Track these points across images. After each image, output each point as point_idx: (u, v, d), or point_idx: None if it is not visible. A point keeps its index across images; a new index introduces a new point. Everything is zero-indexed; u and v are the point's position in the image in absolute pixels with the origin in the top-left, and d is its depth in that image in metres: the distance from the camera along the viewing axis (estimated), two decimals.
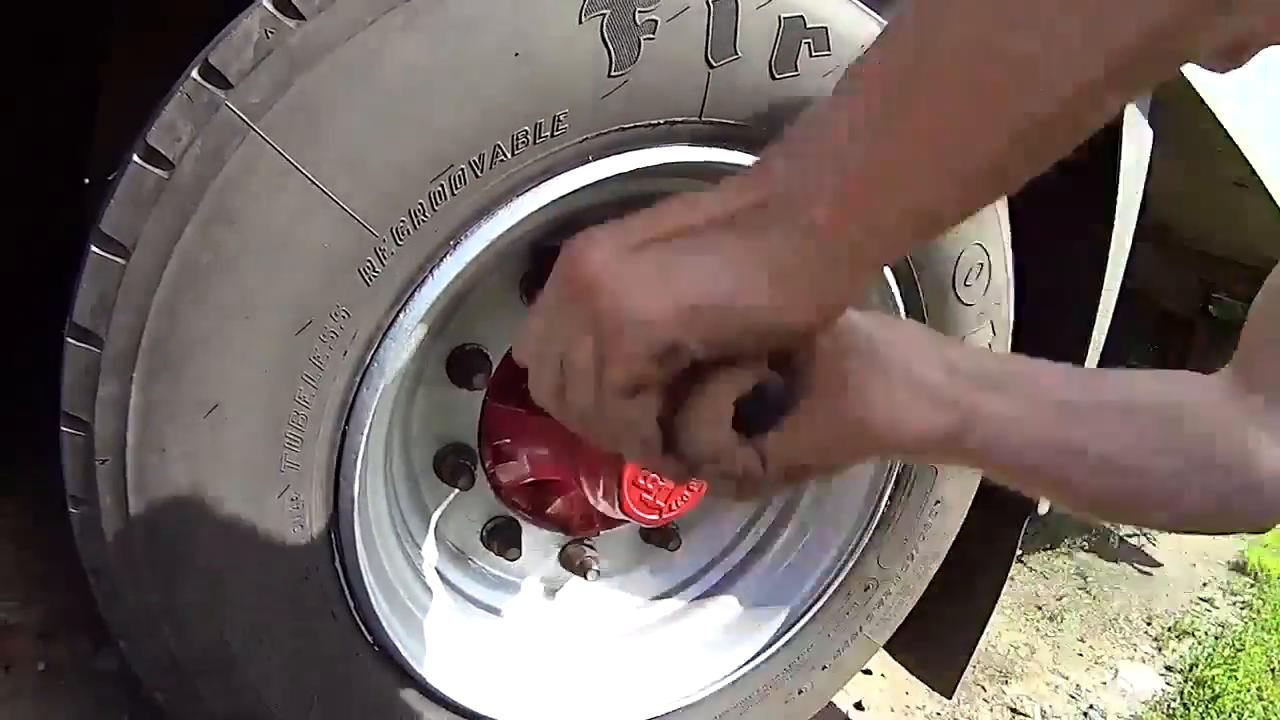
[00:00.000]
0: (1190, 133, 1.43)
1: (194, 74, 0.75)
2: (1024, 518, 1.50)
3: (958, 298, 1.25)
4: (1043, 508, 1.50)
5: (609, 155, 0.93)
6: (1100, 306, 1.36)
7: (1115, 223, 1.31)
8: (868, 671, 1.95)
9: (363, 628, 1.01)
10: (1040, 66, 0.34)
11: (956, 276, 1.24)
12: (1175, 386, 0.54)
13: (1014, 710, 2.12)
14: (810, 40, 0.98)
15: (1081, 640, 2.61)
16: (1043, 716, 2.15)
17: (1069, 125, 0.37)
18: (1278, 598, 3.46)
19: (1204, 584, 3.50)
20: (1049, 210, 1.34)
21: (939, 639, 1.62)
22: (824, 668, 1.46)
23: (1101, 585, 3.08)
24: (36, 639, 1.34)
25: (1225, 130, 1.39)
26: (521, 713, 1.21)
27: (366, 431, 0.92)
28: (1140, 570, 3.40)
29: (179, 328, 0.78)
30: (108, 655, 1.32)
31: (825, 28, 0.98)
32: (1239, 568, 3.77)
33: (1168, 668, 2.60)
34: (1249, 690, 2.49)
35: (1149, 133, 1.33)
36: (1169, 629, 2.87)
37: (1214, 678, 2.49)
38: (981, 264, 1.25)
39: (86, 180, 1.60)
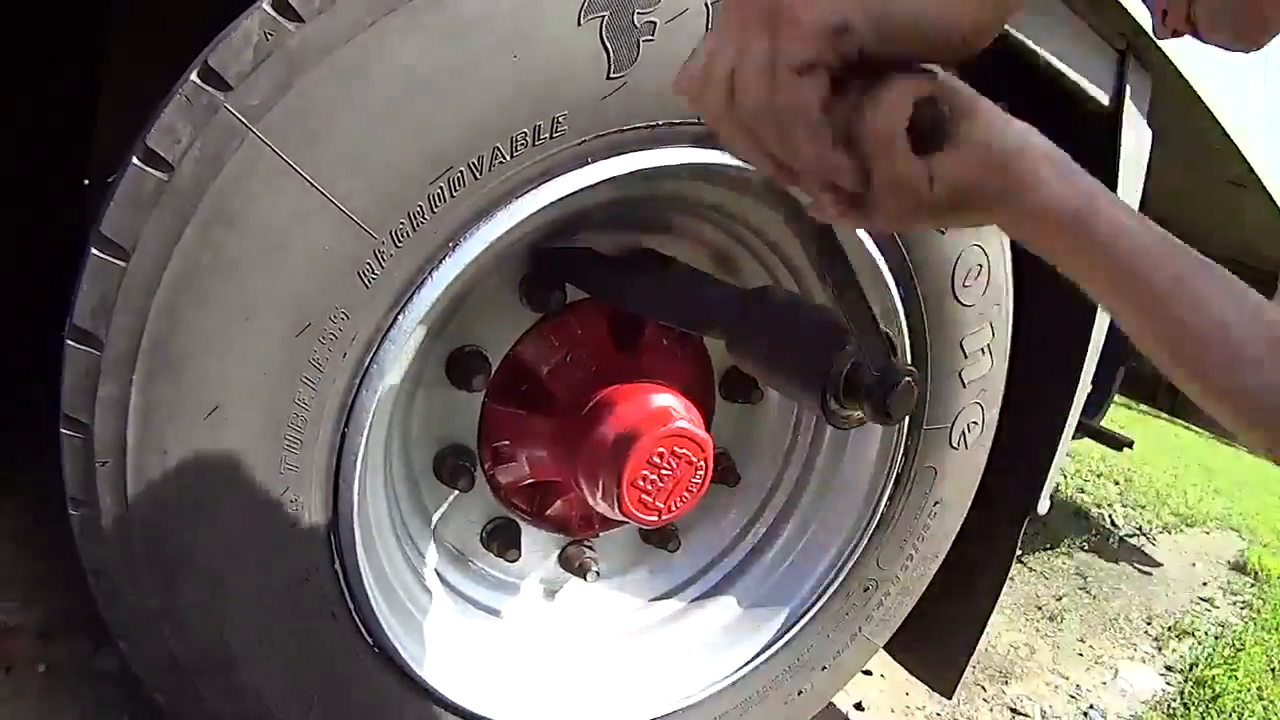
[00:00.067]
0: (1188, 132, 1.43)
1: (193, 76, 0.75)
2: (1023, 518, 1.50)
3: (957, 298, 1.25)
4: (1042, 508, 1.51)
5: (608, 157, 0.93)
6: (1100, 307, 1.36)
7: None
8: (868, 672, 1.95)
9: (362, 629, 1.01)
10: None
11: (955, 277, 1.24)
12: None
13: (1014, 710, 2.13)
14: None
15: (1081, 640, 2.61)
16: (1043, 716, 2.15)
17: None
18: (1278, 597, 3.46)
19: (1204, 584, 3.50)
20: None
21: (939, 639, 1.62)
22: (824, 668, 1.46)
23: (1101, 585, 3.08)
24: (37, 639, 1.35)
25: (1223, 129, 1.39)
26: (521, 714, 1.21)
27: (366, 433, 0.92)
28: (1140, 570, 3.40)
29: (179, 330, 0.78)
30: (108, 656, 1.32)
31: None
32: (1239, 567, 3.78)
33: (1168, 667, 2.60)
34: (1249, 690, 2.49)
35: (1148, 132, 1.33)
36: (1169, 629, 2.87)
37: (1214, 677, 2.49)
38: (980, 265, 1.25)
39: (86, 181, 1.60)
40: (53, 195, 1.75)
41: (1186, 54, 1.27)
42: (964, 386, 1.34)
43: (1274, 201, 1.73)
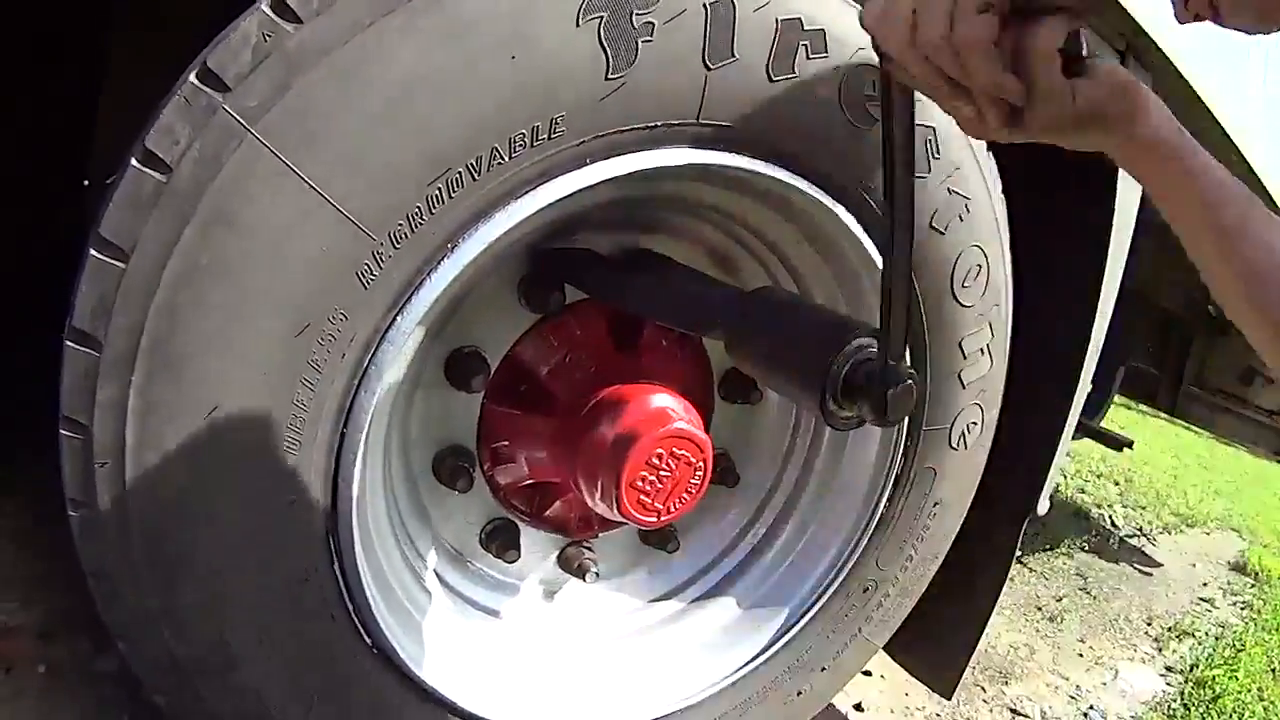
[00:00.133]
0: (1189, 132, 1.43)
1: (192, 77, 0.75)
2: (1023, 518, 1.50)
3: (956, 299, 1.25)
4: (1042, 508, 1.50)
5: (607, 158, 0.93)
6: (1100, 306, 1.36)
7: (1115, 222, 1.31)
8: (867, 673, 1.95)
9: (362, 630, 1.01)
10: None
11: (955, 277, 1.24)
12: None
13: (1014, 711, 2.12)
14: (808, 42, 0.98)
15: (1081, 641, 2.61)
16: (1042, 717, 2.15)
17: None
18: (1278, 598, 3.46)
19: (1204, 584, 3.50)
20: (1049, 210, 1.34)
21: (938, 640, 1.62)
22: (823, 669, 1.46)
23: (1101, 586, 3.08)
24: (37, 640, 1.35)
25: (1223, 129, 1.39)
26: (520, 714, 1.21)
27: (365, 434, 0.92)
28: (1140, 570, 3.40)
29: (178, 330, 0.79)
30: (108, 656, 1.32)
31: (823, 30, 0.98)
32: (1239, 568, 3.77)
33: (1168, 668, 2.60)
34: (1249, 691, 2.49)
35: None
36: (1169, 629, 2.87)
37: (1214, 678, 2.49)
38: (980, 265, 1.25)
39: (86, 182, 1.60)
40: (53, 195, 1.75)
41: (1186, 54, 1.27)
42: (963, 387, 1.34)
43: (1274, 201, 1.73)
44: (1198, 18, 0.76)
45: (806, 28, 0.97)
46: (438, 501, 1.27)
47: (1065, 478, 4.29)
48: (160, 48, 0.95)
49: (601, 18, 0.85)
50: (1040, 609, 2.72)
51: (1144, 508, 4.34)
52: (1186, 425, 3.88)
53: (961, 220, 1.20)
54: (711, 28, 0.91)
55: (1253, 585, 3.60)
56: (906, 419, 1.28)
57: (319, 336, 0.84)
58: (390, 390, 1.05)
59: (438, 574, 1.27)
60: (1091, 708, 2.25)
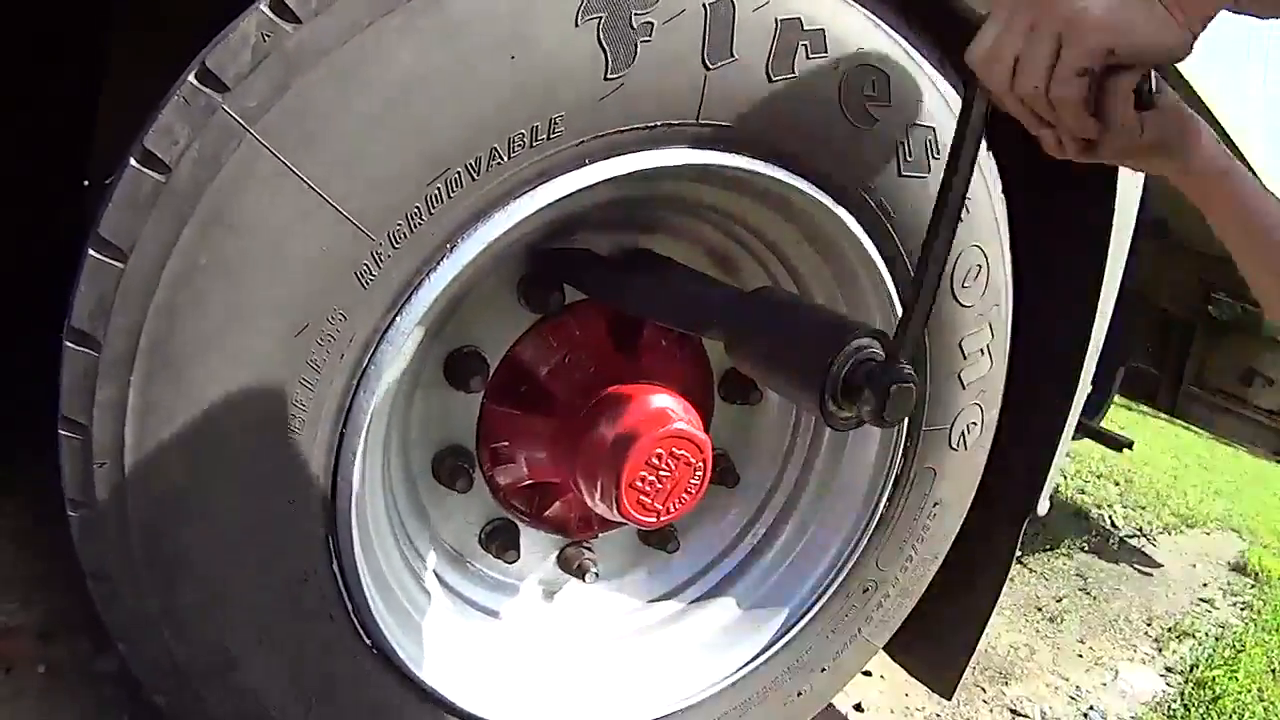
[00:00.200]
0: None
1: (191, 77, 0.75)
2: (1023, 518, 1.50)
3: (956, 299, 1.25)
4: (1042, 509, 1.50)
5: (606, 158, 0.93)
6: (1100, 306, 1.36)
7: (1115, 222, 1.31)
8: (867, 673, 1.95)
9: (361, 630, 1.01)
10: None
11: (955, 277, 1.24)
12: None
13: (1014, 711, 2.12)
14: (807, 42, 0.98)
15: (1081, 641, 2.61)
16: (1043, 717, 2.15)
17: None
18: (1278, 598, 3.46)
19: (1204, 584, 3.49)
20: (1049, 210, 1.34)
21: (938, 640, 1.61)
22: (823, 669, 1.46)
23: (1101, 586, 3.08)
24: (37, 640, 1.35)
25: (1223, 129, 1.39)
26: (520, 715, 1.21)
27: (364, 434, 0.92)
28: (1140, 571, 3.39)
29: (177, 331, 0.79)
30: (108, 656, 1.32)
31: (822, 30, 0.98)
32: (1239, 568, 3.77)
33: (1168, 669, 2.59)
34: (1250, 691, 2.49)
35: None
36: (1169, 630, 2.87)
37: (1214, 679, 2.49)
38: (980, 265, 1.25)
39: (86, 182, 1.60)
40: (53, 195, 1.75)
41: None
42: (963, 387, 1.33)
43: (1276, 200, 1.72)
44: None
45: (806, 27, 0.97)
46: (437, 502, 1.27)
47: (1065, 478, 4.29)
48: (160, 48, 0.95)
49: (600, 18, 0.85)
50: (1040, 609, 2.72)
51: (1144, 508, 4.34)
52: (1186, 425, 3.88)
53: (962, 220, 1.20)
54: (711, 28, 0.91)
55: (1253, 586, 3.60)
56: (906, 419, 1.27)
57: (318, 337, 0.84)
58: (389, 390, 1.05)
59: (437, 574, 1.27)
60: (1091, 708, 2.25)
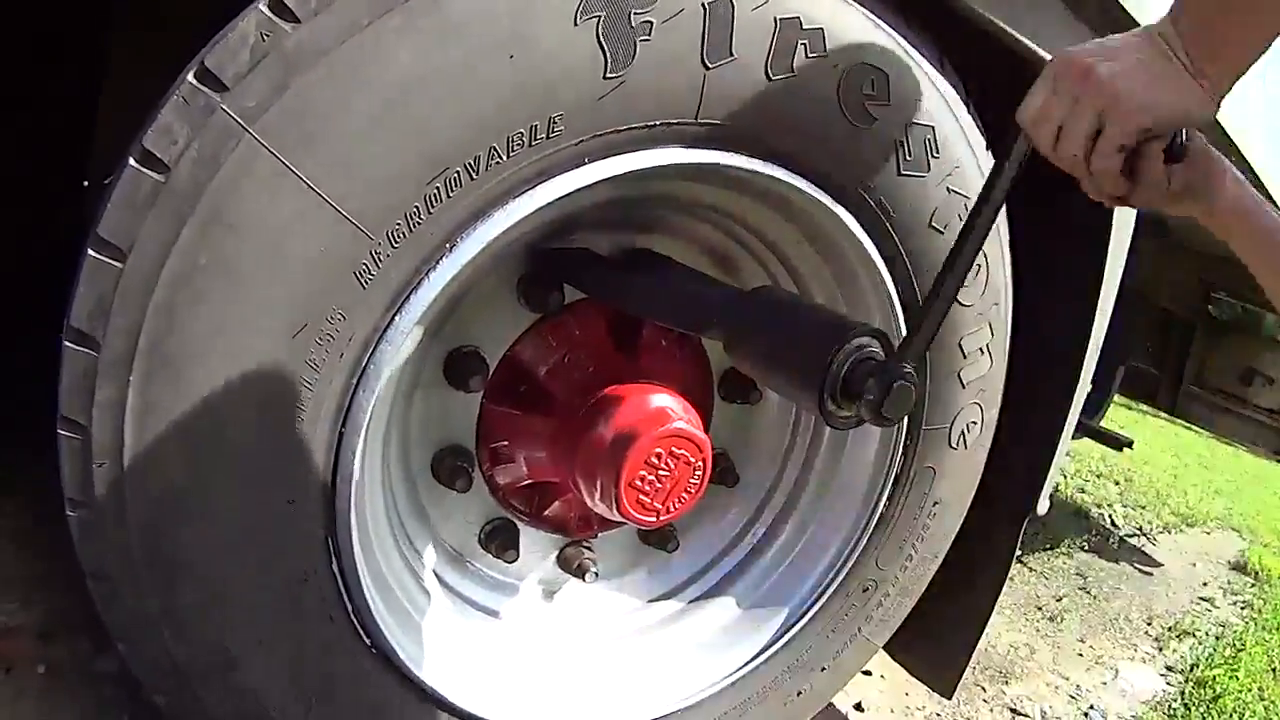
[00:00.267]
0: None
1: (190, 77, 0.75)
2: (1023, 518, 1.50)
3: (956, 299, 1.25)
4: (1042, 508, 1.50)
5: (605, 157, 0.93)
6: (1100, 306, 1.36)
7: (1115, 222, 1.31)
8: (867, 672, 1.95)
9: (361, 630, 1.01)
10: None
11: None
12: None
13: (1014, 711, 2.12)
14: (806, 42, 0.98)
15: (1082, 640, 2.61)
16: (1043, 717, 2.15)
17: None
18: (1278, 597, 3.46)
19: (1204, 584, 3.49)
20: (1048, 210, 1.34)
21: (938, 639, 1.61)
22: (823, 669, 1.46)
23: (1101, 585, 3.08)
24: (37, 640, 1.35)
25: (1223, 129, 1.39)
26: (520, 715, 1.21)
27: (363, 434, 0.92)
28: (1140, 570, 3.40)
29: (176, 330, 0.79)
30: (108, 657, 1.32)
31: (821, 29, 0.98)
32: (1240, 567, 3.77)
33: (1168, 668, 2.59)
34: (1250, 690, 2.49)
35: None
36: (1169, 629, 2.87)
37: (1215, 678, 2.49)
38: (979, 265, 1.25)
39: (86, 182, 1.60)
40: (53, 195, 1.75)
41: None
42: (963, 386, 1.33)
43: (1275, 202, 1.72)
44: None
45: (805, 27, 0.97)
46: (437, 501, 1.27)
47: (1065, 477, 4.29)
48: (160, 48, 0.95)
49: (599, 17, 0.85)
50: (1040, 609, 2.72)
51: (1144, 507, 4.34)
52: (1186, 425, 3.88)
53: (961, 220, 1.20)
54: (710, 27, 0.91)
55: (1253, 585, 3.60)
56: (906, 418, 1.27)
57: (317, 336, 0.84)
58: (389, 390, 1.05)
59: (437, 574, 1.27)
60: (1092, 707, 2.25)
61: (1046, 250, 1.35)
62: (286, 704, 0.99)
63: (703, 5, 0.90)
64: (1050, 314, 1.40)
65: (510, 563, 1.32)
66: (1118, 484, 4.62)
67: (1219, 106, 0.79)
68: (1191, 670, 2.56)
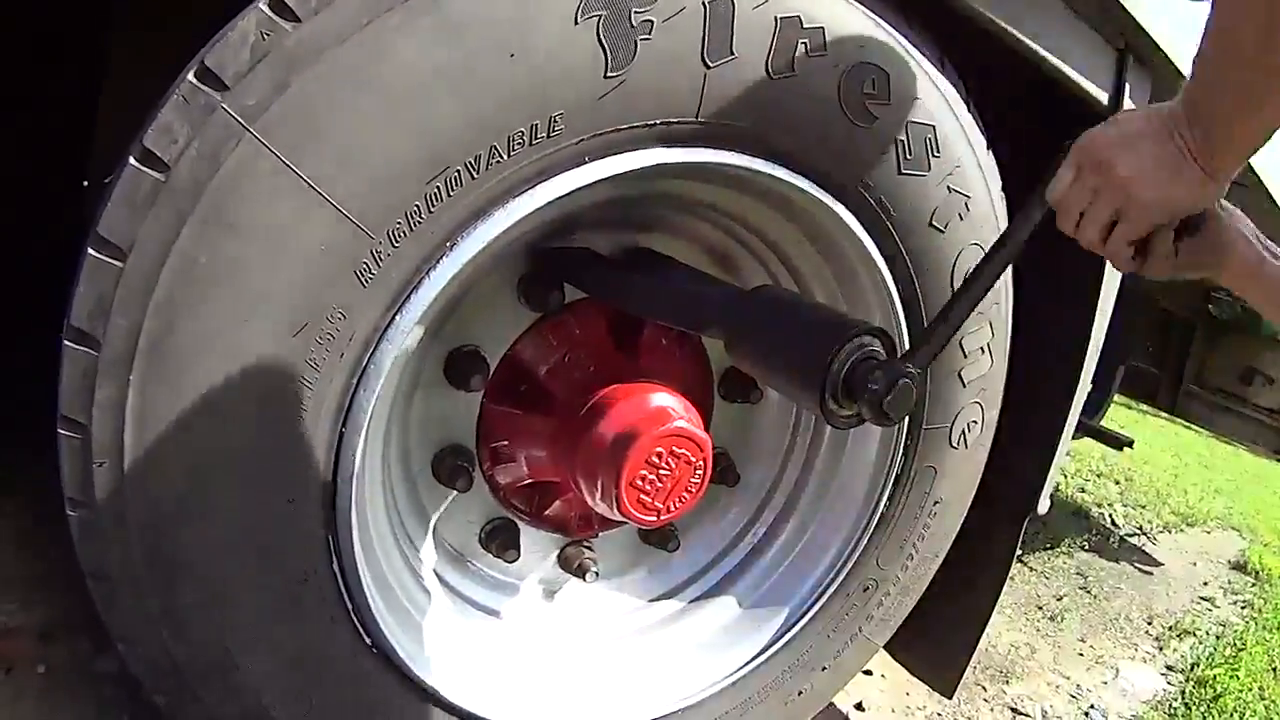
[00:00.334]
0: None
1: (190, 76, 0.75)
2: (1024, 517, 1.50)
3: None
4: (1043, 507, 1.50)
5: (606, 156, 0.93)
6: (1100, 306, 1.36)
7: None
8: (868, 672, 1.95)
9: (361, 630, 1.01)
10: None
11: (955, 277, 1.23)
12: None
13: (1015, 710, 2.12)
14: (807, 40, 0.98)
15: (1082, 640, 2.61)
16: (1043, 716, 2.15)
17: None
18: (1279, 597, 3.46)
19: (1205, 583, 3.49)
20: (1049, 210, 1.34)
21: (939, 639, 1.61)
22: (824, 669, 1.46)
23: (1102, 585, 3.08)
24: (37, 641, 1.34)
25: None
26: (520, 714, 1.21)
27: (364, 433, 0.92)
28: (1141, 569, 3.40)
29: (176, 329, 0.78)
30: (108, 657, 1.32)
31: (822, 28, 0.98)
32: (1240, 567, 3.77)
33: (1169, 667, 2.59)
34: (1251, 690, 2.49)
35: None
36: (1170, 628, 2.87)
37: (1215, 677, 2.49)
38: None
39: (86, 182, 1.60)
40: (53, 195, 1.75)
41: (1186, 52, 1.26)
42: (964, 386, 1.33)
43: (1275, 201, 1.72)
44: None
45: (805, 26, 0.97)
46: (437, 501, 1.27)
47: (1065, 477, 4.29)
48: (160, 48, 0.95)
49: (600, 16, 0.85)
50: (1041, 608, 2.72)
51: (1144, 507, 4.34)
52: (1186, 424, 3.88)
53: (962, 219, 1.20)
54: (710, 26, 0.91)
55: (1253, 584, 3.60)
56: (907, 418, 1.27)
57: (318, 335, 0.84)
58: (389, 389, 1.05)
59: (437, 574, 1.27)
60: (1093, 707, 2.25)
61: (1047, 250, 1.35)
62: (287, 704, 0.99)
63: (703, 4, 0.90)
64: (1051, 313, 1.39)
65: (511, 562, 1.32)
66: (1118, 483, 4.62)
67: (1223, 194, 0.86)
68: (1192, 670, 2.56)
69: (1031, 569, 3.02)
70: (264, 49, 0.75)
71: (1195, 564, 3.71)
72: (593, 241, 1.21)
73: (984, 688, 2.17)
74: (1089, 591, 2.99)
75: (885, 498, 1.37)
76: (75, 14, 1.55)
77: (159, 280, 0.77)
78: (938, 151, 1.13)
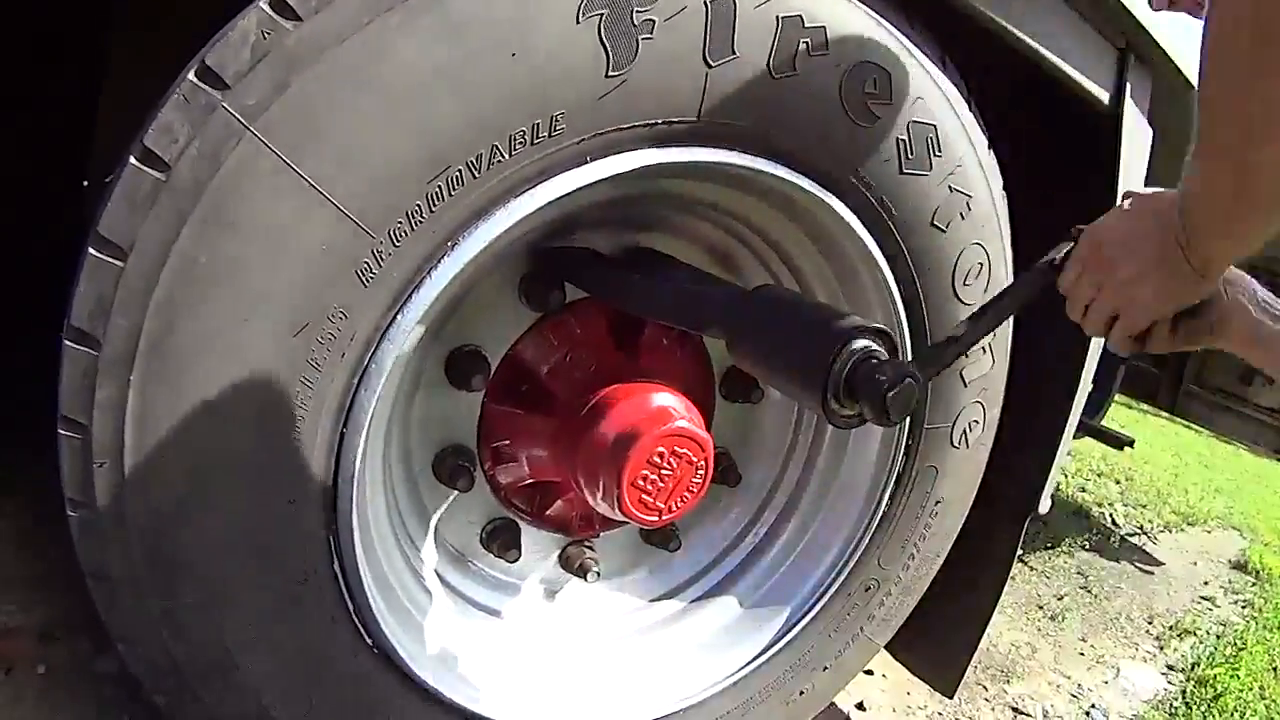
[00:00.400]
0: (1190, 131, 1.43)
1: (191, 75, 0.75)
2: (1025, 517, 1.50)
3: (958, 297, 1.25)
4: (1043, 507, 1.50)
5: (607, 156, 0.93)
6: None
7: None
8: (869, 672, 1.94)
9: (362, 630, 1.01)
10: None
11: (956, 276, 1.23)
12: None
13: (1016, 710, 2.12)
14: (808, 40, 0.98)
15: (1083, 639, 2.61)
16: (1044, 716, 2.15)
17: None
18: (1279, 596, 3.46)
19: (1205, 583, 3.49)
20: (1049, 209, 1.34)
21: (940, 639, 1.61)
22: (825, 668, 1.46)
23: (1103, 584, 3.08)
24: (37, 641, 1.34)
25: None
26: (521, 714, 1.21)
27: (364, 433, 0.91)
28: (1141, 569, 3.39)
29: (177, 330, 0.78)
30: (108, 657, 1.32)
31: (823, 27, 0.98)
32: (1240, 566, 3.77)
33: (1169, 667, 2.59)
34: (1251, 689, 2.48)
35: (1148, 131, 1.33)
36: (1170, 628, 2.86)
37: (1216, 677, 2.49)
38: (981, 264, 1.25)
39: (86, 182, 1.60)
40: (53, 195, 1.75)
41: (1187, 51, 1.26)
42: (965, 385, 1.33)
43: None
44: (1172, 5, 0.84)
45: (807, 25, 0.97)
46: (438, 501, 1.26)
47: (1066, 476, 4.29)
48: (160, 48, 0.95)
49: (602, 15, 0.85)
50: (1042, 608, 2.72)
51: (1145, 506, 4.34)
52: (1187, 424, 3.88)
53: (963, 218, 1.20)
54: (712, 25, 0.91)
55: (1254, 583, 3.60)
56: (908, 417, 1.27)
57: (318, 335, 0.84)
58: (390, 389, 1.05)
59: (438, 574, 1.27)
60: (1094, 706, 2.25)
61: (1048, 249, 1.34)
62: (287, 704, 0.99)
63: (705, 3, 0.90)
64: (1052, 313, 1.39)
65: (512, 562, 1.32)
66: (1119, 483, 4.62)
67: (1214, 289, 0.91)
68: (1193, 669, 2.56)
69: (1032, 568, 3.01)
70: (265, 48, 0.75)
71: (1196, 563, 3.71)
72: (594, 241, 1.21)
73: (985, 687, 2.17)
74: (1090, 591, 2.99)
75: (887, 497, 1.37)
76: (75, 14, 1.54)
77: (159, 280, 0.77)
78: (939, 151, 1.13)
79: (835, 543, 1.41)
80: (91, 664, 1.33)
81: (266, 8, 0.75)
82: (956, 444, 1.38)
